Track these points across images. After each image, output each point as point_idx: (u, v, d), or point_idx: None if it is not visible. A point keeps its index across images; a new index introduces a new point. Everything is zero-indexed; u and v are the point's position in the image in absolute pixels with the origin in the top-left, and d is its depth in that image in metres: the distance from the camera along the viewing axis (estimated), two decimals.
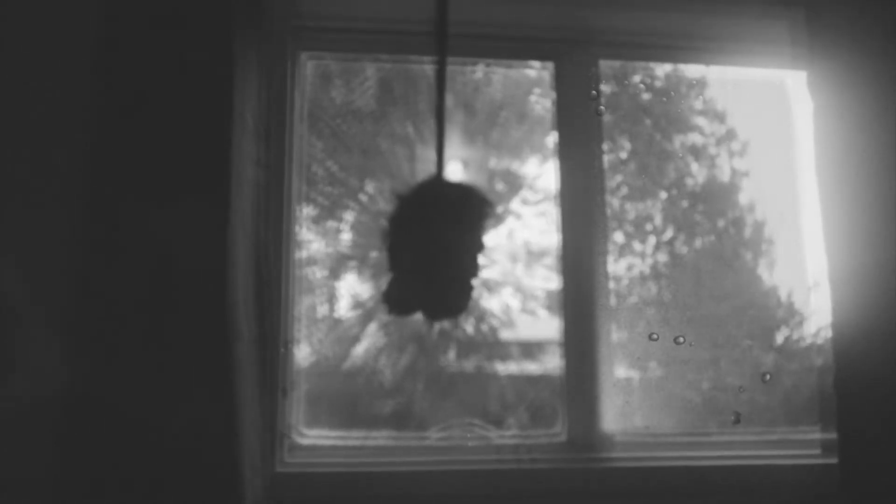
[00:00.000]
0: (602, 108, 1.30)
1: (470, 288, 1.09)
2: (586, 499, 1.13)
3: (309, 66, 1.29)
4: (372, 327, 1.25)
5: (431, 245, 1.07)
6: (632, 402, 1.24)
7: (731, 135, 1.46)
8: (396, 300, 1.08)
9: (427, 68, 1.33)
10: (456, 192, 1.10)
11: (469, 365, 1.27)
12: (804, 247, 1.36)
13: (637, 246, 1.36)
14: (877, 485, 1.05)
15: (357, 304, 1.26)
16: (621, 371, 1.25)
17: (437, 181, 1.08)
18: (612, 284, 1.27)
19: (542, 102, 1.37)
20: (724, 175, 1.45)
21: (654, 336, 1.21)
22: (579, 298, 1.23)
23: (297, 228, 1.21)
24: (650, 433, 1.23)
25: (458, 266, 1.08)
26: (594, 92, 1.29)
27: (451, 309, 1.10)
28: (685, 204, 1.41)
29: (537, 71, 1.38)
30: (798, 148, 1.36)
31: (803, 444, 1.23)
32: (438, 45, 1.05)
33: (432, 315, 1.12)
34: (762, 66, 1.38)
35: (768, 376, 1.23)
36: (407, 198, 1.11)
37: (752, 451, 1.21)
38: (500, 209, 1.30)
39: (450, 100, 1.30)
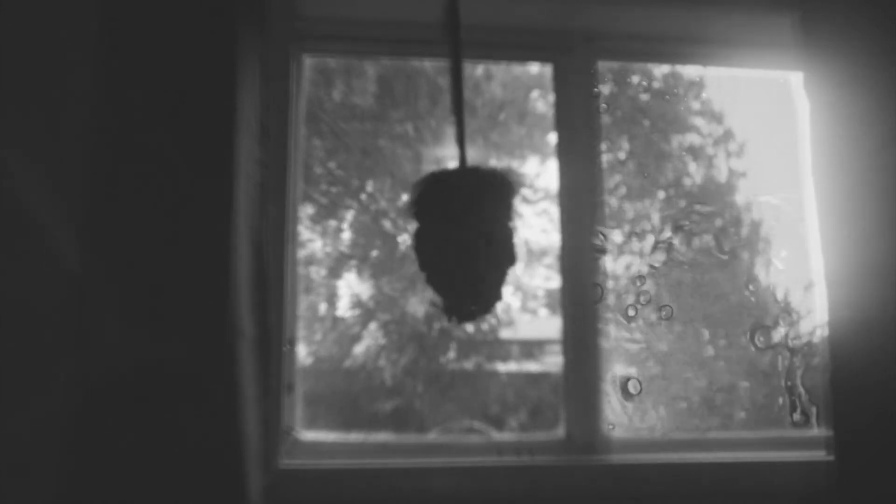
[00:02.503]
0: (604, 105, 1.30)
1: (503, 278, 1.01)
2: (586, 498, 1.13)
3: (309, 66, 1.29)
4: (372, 327, 1.26)
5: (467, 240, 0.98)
6: (631, 401, 1.24)
7: (728, 135, 1.47)
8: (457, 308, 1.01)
9: (427, 67, 1.33)
10: (482, 178, 1.01)
11: (469, 364, 1.27)
12: (801, 246, 1.37)
13: (635, 245, 1.37)
14: (873, 483, 1.06)
15: (357, 304, 1.26)
16: (620, 370, 1.25)
17: (462, 170, 1.00)
18: (610, 283, 1.27)
19: (543, 101, 1.37)
20: (722, 175, 1.46)
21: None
22: (579, 298, 1.24)
23: (297, 228, 1.21)
24: (650, 433, 1.24)
25: (494, 256, 1.00)
26: (596, 90, 1.30)
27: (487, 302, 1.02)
28: (682, 203, 1.42)
29: (538, 68, 1.38)
30: (795, 148, 1.37)
31: (801, 443, 1.24)
32: (451, 30, 1.03)
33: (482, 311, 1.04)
34: (759, 66, 1.39)
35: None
36: (431, 189, 1.02)
37: (752, 451, 1.22)
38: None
39: (448, 100, 1.30)
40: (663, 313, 1.28)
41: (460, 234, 0.97)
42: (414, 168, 1.29)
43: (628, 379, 1.24)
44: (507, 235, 0.99)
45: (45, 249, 0.93)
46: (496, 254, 0.98)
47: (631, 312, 1.27)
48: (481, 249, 0.97)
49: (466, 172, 1.01)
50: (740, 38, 1.34)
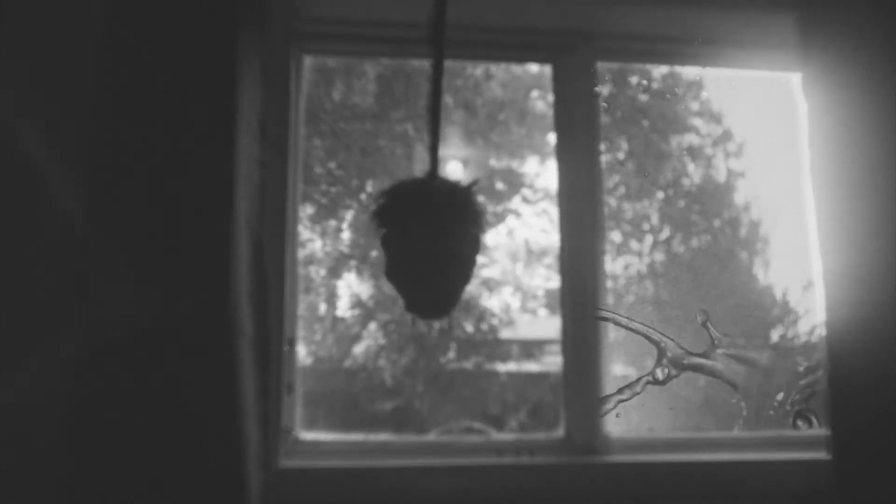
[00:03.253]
0: (605, 104, 1.30)
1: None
2: (586, 498, 1.13)
3: (309, 66, 1.29)
4: (372, 327, 1.26)
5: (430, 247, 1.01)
6: (631, 400, 1.25)
7: (727, 136, 1.47)
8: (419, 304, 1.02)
9: (427, 67, 1.33)
10: (446, 192, 1.01)
11: (469, 364, 1.27)
12: (799, 246, 1.37)
13: (634, 245, 1.37)
14: (871, 481, 1.06)
15: (357, 304, 1.27)
16: (619, 369, 1.26)
17: (427, 180, 1.01)
18: (609, 283, 1.27)
19: (543, 101, 1.38)
20: (721, 175, 1.47)
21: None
22: (579, 297, 1.24)
23: (297, 228, 1.21)
24: (650, 432, 1.24)
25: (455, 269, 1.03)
26: (597, 89, 1.30)
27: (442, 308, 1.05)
28: (682, 204, 1.43)
29: (538, 68, 1.38)
30: (793, 149, 1.38)
31: (801, 443, 1.24)
32: (435, 34, 1.03)
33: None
34: (758, 67, 1.39)
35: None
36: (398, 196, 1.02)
37: (752, 451, 1.23)
38: (500, 208, 1.30)
39: (449, 99, 1.31)
40: (661, 312, 1.28)
41: (424, 246, 0.99)
42: (414, 168, 1.29)
43: (626, 378, 1.24)
44: (468, 255, 1.01)
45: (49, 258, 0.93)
46: (455, 272, 0.99)
47: (629, 311, 1.27)
48: (441, 265, 0.99)
49: (436, 185, 1.02)
50: (739, 39, 1.34)
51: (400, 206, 0.99)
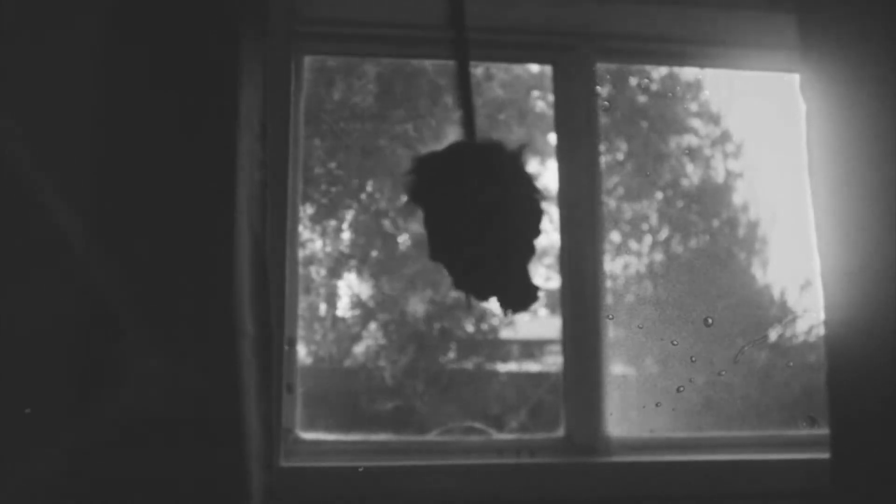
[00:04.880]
0: (606, 102, 1.30)
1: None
2: (586, 498, 1.14)
3: (309, 66, 1.29)
4: (372, 327, 1.26)
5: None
6: (630, 400, 1.25)
7: (725, 136, 1.48)
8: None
9: (427, 67, 1.33)
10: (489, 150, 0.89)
11: (469, 364, 1.27)
12: (797, 246, 1.38)
13: (633, 245, 1.37)
14: (869, 481, 1.07)
15: (357, 304, 1.26)
16: (618, 369, 1.26)
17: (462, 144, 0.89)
18: (609, 283, 1.28)
19: (543, 101, 1.38)
20: (719, 176, 1.47)
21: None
22: (579, 297, 1.24)
23: (297, 228, 1.21)
24: (649, 432, 1.24)
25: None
26: (598, 87, 1.30)
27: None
28: (680, 204, 1.43)
29: (538, 68, 1.39)
30: (791, 149, 1.38)
31: (801, 443, 1.25)
32: (455, 17, 0.98)
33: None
34: (756, 68, 1.40)
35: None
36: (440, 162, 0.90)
37: (752, 451, 1.23)
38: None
39: (449, 99, 1.31)
40: (660, 312, 1.28)
41: (468, 208, 0.86)
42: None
43: (626, 377, 1.24)
44: (520, 218, 0.88)
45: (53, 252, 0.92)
46: (504, 237, 0.87)
47: (628, 311, 1.27)
48: (485, 225, 0.86)
49: (472, 148, 0.90)
50: (738, 40, 1.35)
51: (434, 171, 0.88)
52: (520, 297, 0.91)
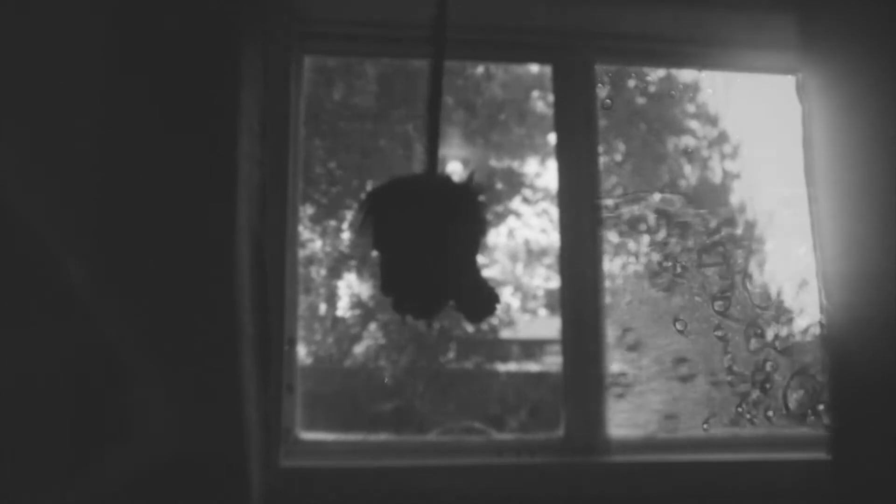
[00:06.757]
0: (608, 100, 1.30)
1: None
2: (586, 498, 1.14)
3: (309, 66, 1.29)
4: (372, 327, 1.25)
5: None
6: (630, 400, 1.25)
7: (722, 137, 1.48)
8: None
9: (427, 67, 1.33)
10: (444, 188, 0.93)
11: (469, 364, 1.27)
12: (794, 246, 1.38)
13: (631, 245, 1.38)
14: (869, 480, 1.07)
15: (357, 304, 1.26)
16: (618, 369, 1.26)
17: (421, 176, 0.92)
18: (607, 283, 1.28)
19: (543, 101, 1.38)
20: (716, 176, 1.48)
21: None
22: (579, 297, 1.24)
23: (297, 228, 1.21)
24: (649, 432, 1.25)
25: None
26: (599, 86, 1.30)
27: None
28: (678, 204, 1.43)
29: (538, 68, 1.39)
30: (788, 150, 1.39)
31: (801, 443, 1.25)
32: (436, 32, 1.00)
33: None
34: (754, 70, 1.40)
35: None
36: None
37: (752, 451, 1.23)
38: (500, 208, 1.30)
39: (449, 99, 1.31)
40: (659, 312, 1.28)
41: (410, 239, 0.90)
42: (414, 168, 1.29)
43: (625, 377, 1.24)
44: (461, 249, 0.92)
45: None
46: (445, 265, 0.90)
47: (627, 311, 1.27)
48: (430, 258, 0.90)
49: (429, 181, 0.93)
50: (738, 41, 1.35)
51: (388, 201, 0.91)
52: (481, 305, 0.93)
